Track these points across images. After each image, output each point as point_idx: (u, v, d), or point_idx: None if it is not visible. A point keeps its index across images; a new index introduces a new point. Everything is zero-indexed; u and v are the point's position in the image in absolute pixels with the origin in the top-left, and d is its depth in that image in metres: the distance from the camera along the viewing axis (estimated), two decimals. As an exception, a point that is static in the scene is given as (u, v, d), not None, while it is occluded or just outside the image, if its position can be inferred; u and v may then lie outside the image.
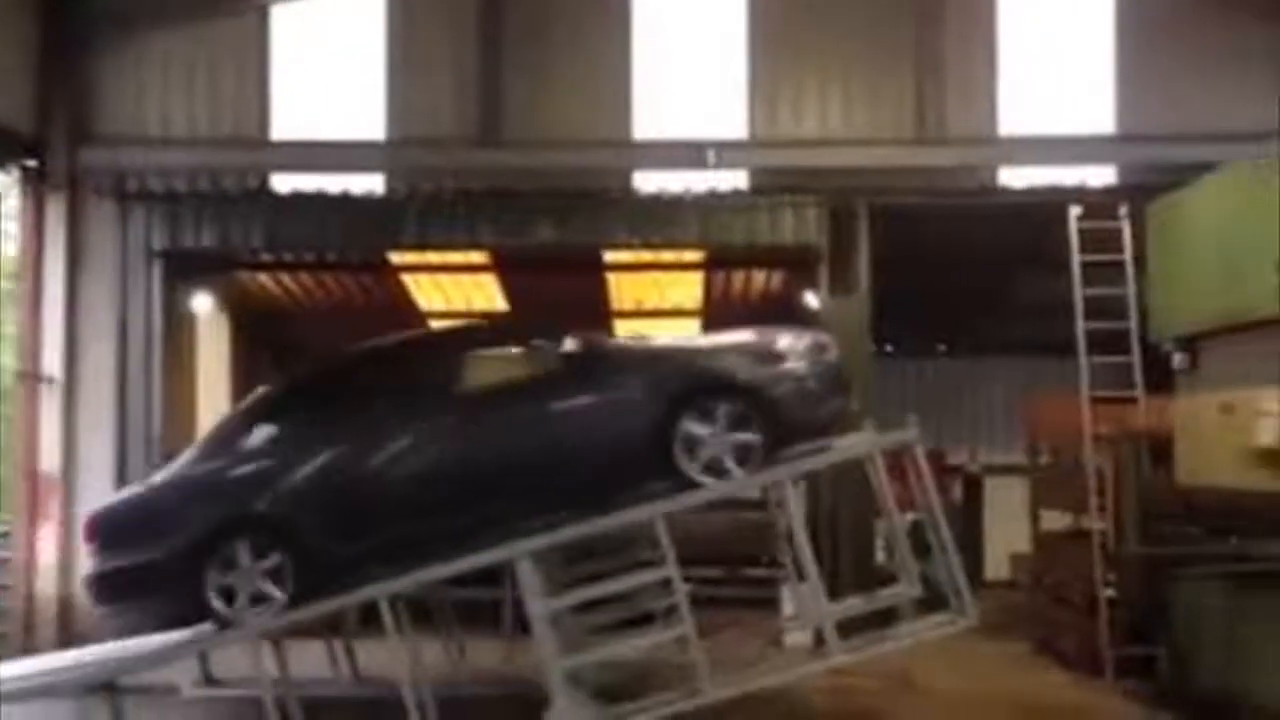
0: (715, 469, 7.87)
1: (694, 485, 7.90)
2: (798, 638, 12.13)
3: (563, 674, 8.01)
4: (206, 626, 8.21)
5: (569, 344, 8.18)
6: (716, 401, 7.89)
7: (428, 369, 8.42)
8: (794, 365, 8.09)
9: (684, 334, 8.28)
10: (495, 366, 8.66)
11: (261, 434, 8.36)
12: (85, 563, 8.52)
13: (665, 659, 8.74)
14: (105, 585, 8.24)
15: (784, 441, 7.98)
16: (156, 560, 7.96)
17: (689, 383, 8.00)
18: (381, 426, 8.24)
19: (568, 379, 8.14)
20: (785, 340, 8.22)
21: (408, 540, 8.05)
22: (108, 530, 8.37)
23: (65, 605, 12.62)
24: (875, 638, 8.09)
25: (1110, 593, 10.61)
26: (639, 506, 8.03)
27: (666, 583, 8.10)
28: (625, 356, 8.32)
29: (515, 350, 8.69)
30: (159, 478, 8.74)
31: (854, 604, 8.46)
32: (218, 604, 7.89)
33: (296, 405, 8.51)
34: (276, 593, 7.92)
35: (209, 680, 10.47)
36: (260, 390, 8.93)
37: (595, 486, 8.06)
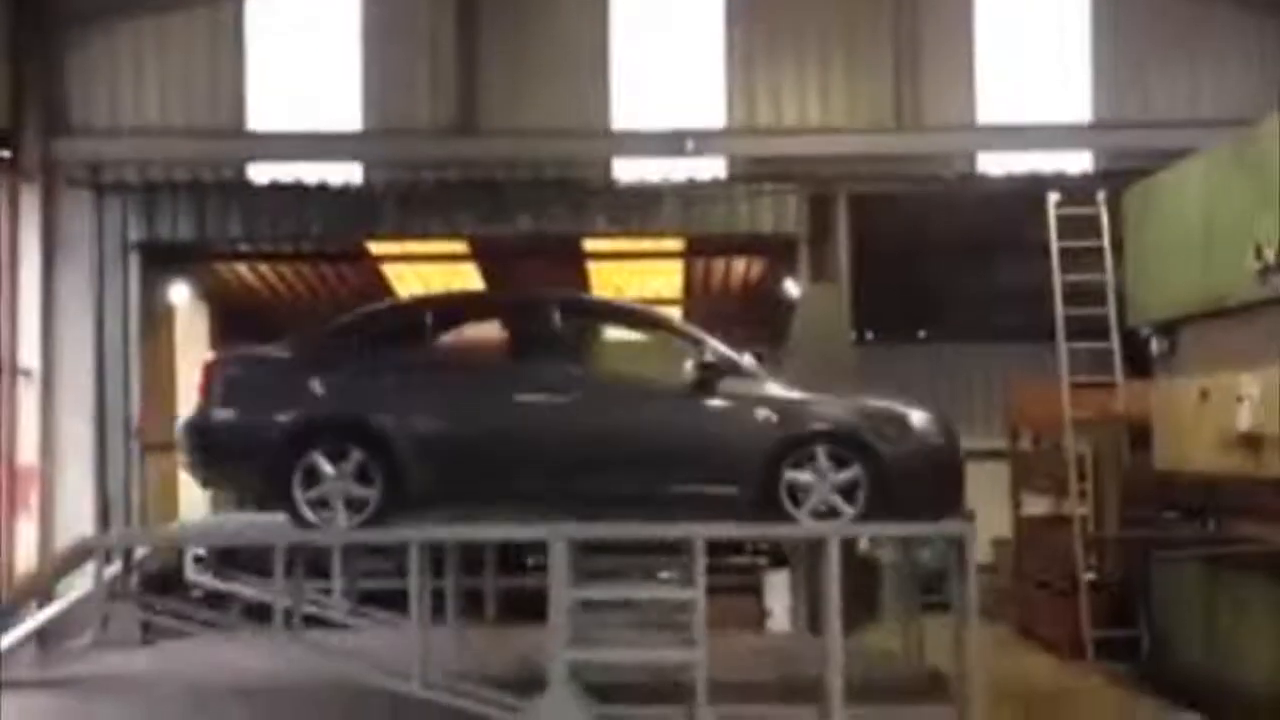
0: (800, 502, 7.93)
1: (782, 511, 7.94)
2: (780, 622, 12.31)
3: (565, 665, 8.06)
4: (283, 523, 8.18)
5: (710, 355, 8.20)
6: (839, 453, 7.92)
7: (555, 330, 8.35)
8: (919, 443, 8.09)
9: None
10: (628, 349, 8.71)
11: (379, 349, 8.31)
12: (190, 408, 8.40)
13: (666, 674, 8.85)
14: (205, 435, 8.17)
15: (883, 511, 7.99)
16: (265, 426, 7.96)
17: (813, 429, 8.00)
18: (500, 377, 8.29)
19: (698, 388, 8.15)
20: (917, 415, 8.25)
21: (480, 491, 8.09)
22: (230, 381, 8.26)
23: (44, 596, 12.52)
24: (879, 714, 8.17)
25: (1091, 576, 10.72)
26: (686, 524, 8.10)
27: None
28: (759, 387, 8.20)
29: (653, 339, 8.73)
30: (281, 346, 8.67)
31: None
32: (308, 513, 7.88)
33: (421, 333, 8.45)
34: (342, 516, 7.91)
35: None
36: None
37: (686, 498, 8.11)
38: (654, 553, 11.20)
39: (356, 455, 7.99)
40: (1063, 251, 11.25)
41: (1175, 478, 9.34)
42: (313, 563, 10.48)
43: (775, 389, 8.26)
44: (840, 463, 7.98)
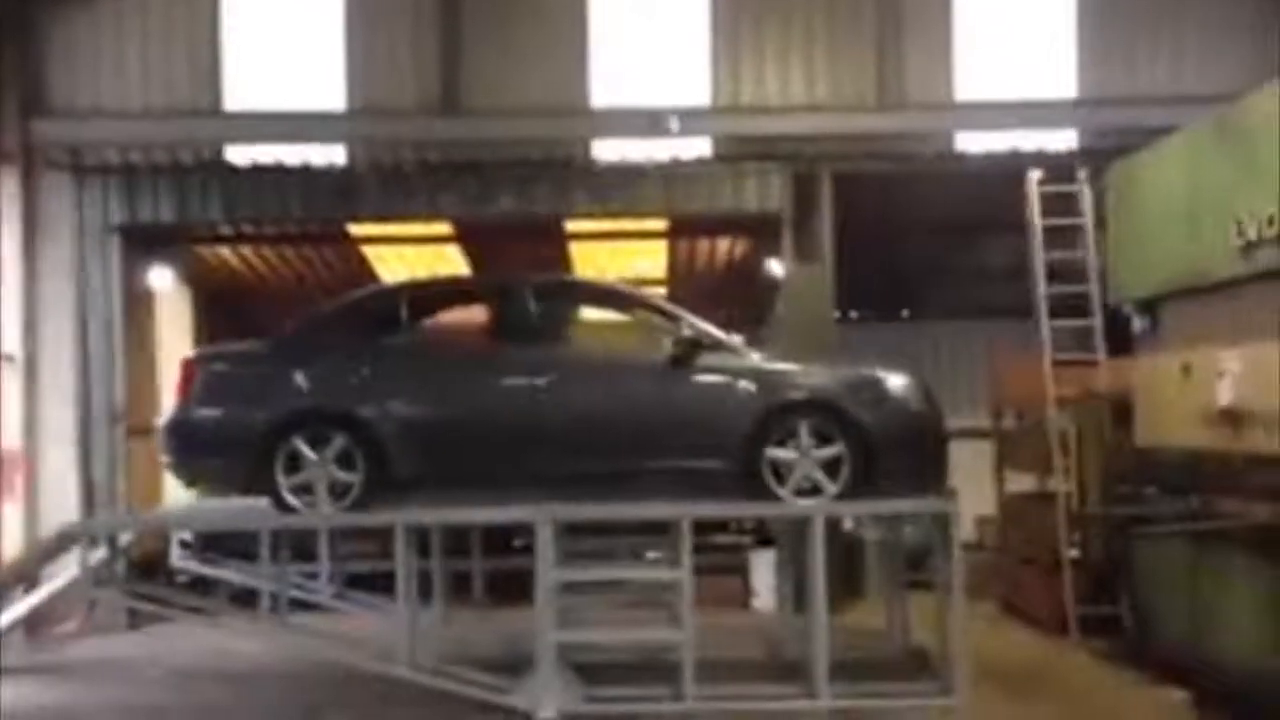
0: (782, 478, 8.04)
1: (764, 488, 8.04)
2: (765, 601, 12.37)
3: (552, 646, 8.10)
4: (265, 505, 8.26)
5: (688, 330, 8.20)
6: (810, 421, 8.01)
7: (533, 312, 8.40)
8: (900, 408, 8.18)
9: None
10: (607, 329, 8.74)
11: (357, 337, 8.38)
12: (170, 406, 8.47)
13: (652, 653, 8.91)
14: (186, 436, 8.23)
15: (867, 481, 8.07)
16: (245, 422, 8.04)
17: (793, 398, 8.07)
18: (480, 361, 8.33)
19: (676, 364, 8.16)
20: (896, 380, 8.28)
21: (464, 473, 8.15)
22: (208, 379, 8.33)
23: (32, 582, 12.50)
24: (864, 691, 8.31)
25: (1074, 553, 10.78)
26: (672, 504, 8.13)
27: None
28: (738, 360, 8.28)
29: (632, 318, 8.75)
30: (258, 341, 8.70)
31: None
32: (291, 499, 7.99)
33: (398, 318, 8.50)
34: (325, 501, 8.01)
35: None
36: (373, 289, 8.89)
37: (669, 473, 8.13)
38: (641, 533, 11.25)
39: (339, 441, 8.01)
40: (1045, 229, 11.27)
41: (1157, 454, 9.40)
42: (298, 547, 10.52)
43: (755, 361, 8.30)
44: (823, 438, 8.02)
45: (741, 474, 8.08)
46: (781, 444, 8.04)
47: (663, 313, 8.60)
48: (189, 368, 8.45)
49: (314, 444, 8.03)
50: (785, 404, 8.09)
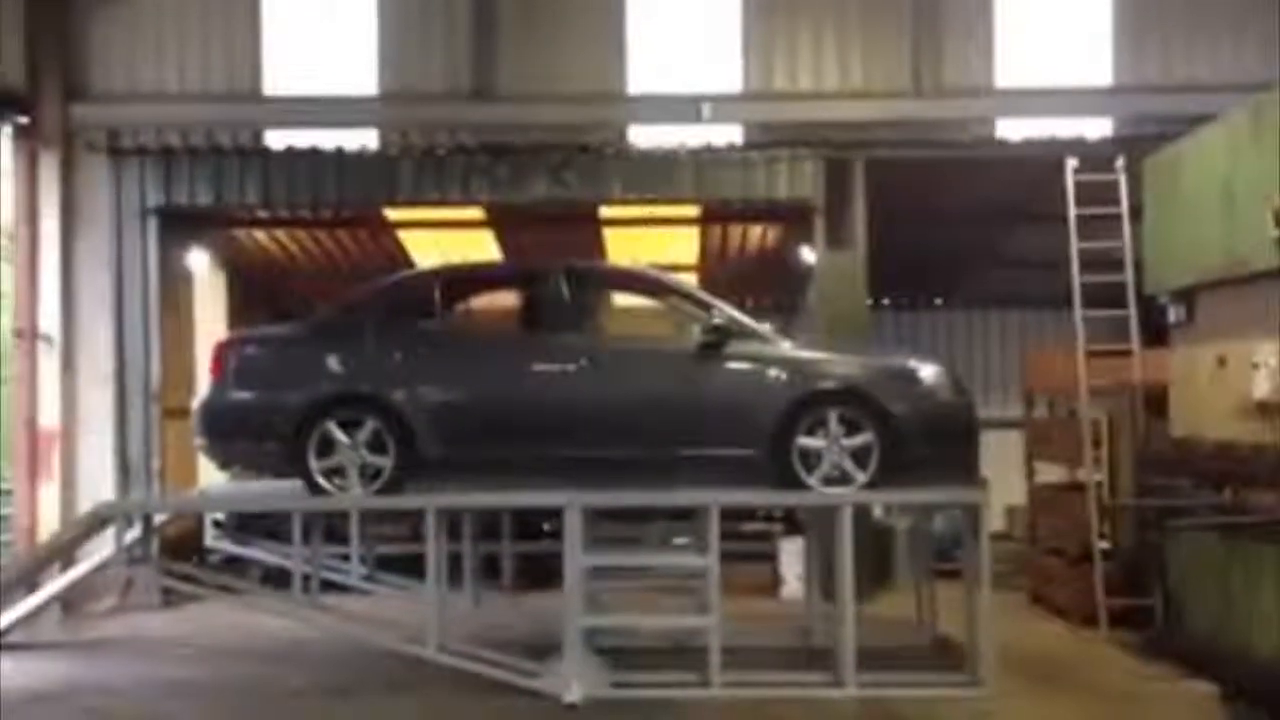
0: (811, 467, 8.07)
1: (794, 476, 8.08)
2: (793, 589, 12.36)
3: (581, 630, 8.15)
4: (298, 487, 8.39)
5: (718, 317, 8.23)
6: (846, 412, 8.04)
7: (565, 297, 8.45)
8: (930, 398, 8.21)
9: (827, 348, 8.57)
10: (637, 315, 8.81)
11: (390, 322, 8.45)
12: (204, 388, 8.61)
13: (680, 639, 8.95)
14: (218, 417, 8.36)
15: (897, 470, 8.10)
16: (277, 405, 8.16)
17: (823, 387, 8.11)
18: (512, 346, 8.42)
19: (706, 351, 8.18)
20: (928, 371, 8.27)
21: (505, 462, 8.23)
22: (241, 362, 8.45)
23: (68, 561, 12.69)
24: (890, 681, 8.34)
25: (1104, 544, 10.71)
26: (700, 490, 8.17)
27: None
28: (771, 347, 8.32)
29: (663, 304, 8.79)
30: (291, 325, 8.82)
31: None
32: (323, 482, 8.11)
33: (432, 303, 8.59)
34: (357, 484, 8.11)
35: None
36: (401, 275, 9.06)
37: (698, 460, 8.16)
38: (670, 519, 11.28)
39: (370, 425, 8.08)
40: (1080, 218, 11.18)
41: (1191, 446, 9.32)
42: (330, 529, 10.62)
43: (785, 349, 8.29)
44: (852, 426, 8.01)
45: (771, 462, 8.08)
46: (811, 433, 8.04)
47: (694, 300, 8.60)
48: (222, 350, 8.55)
49: (345, 428, 8.10)
50: (815, 393, 8.08)
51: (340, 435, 8.12)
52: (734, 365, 8.19)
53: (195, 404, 8.65)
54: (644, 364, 8.39)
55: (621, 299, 9.30)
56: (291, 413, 8.11)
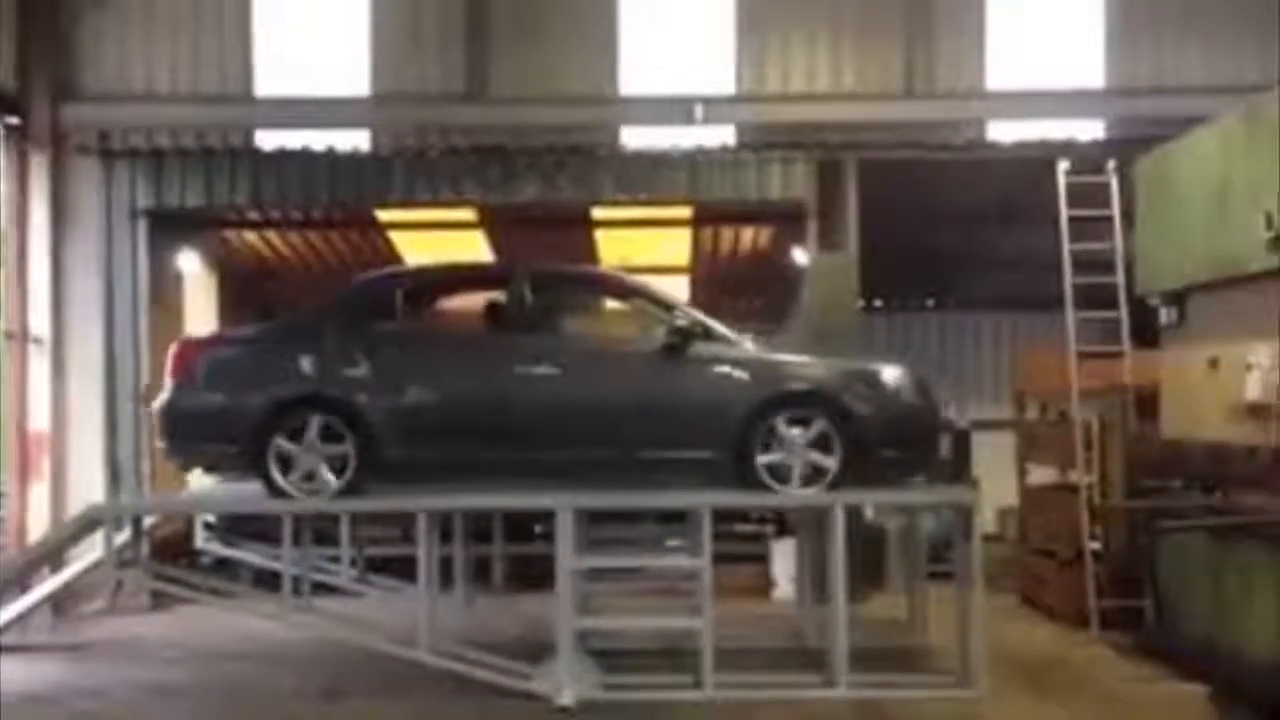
0: (781, 477, 8.05)
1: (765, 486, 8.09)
2: (785, 590, 12.36)
3: (573, 632, 8.14)
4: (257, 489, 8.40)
5: (681, 319, 8.23)
6: (808, 414, 8.04)
7: (532, 299, 8.45)
8: (893, 401, 8.20)
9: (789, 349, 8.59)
10: (602, 317, 8.81)
11: (351, 325, 8.44)
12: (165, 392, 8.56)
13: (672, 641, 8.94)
14: (180, 420, 8.33)
15: (858, 470, 8.11)
16: (236, 409, 8.15)
17: (786, 389, 8.11)
18: (474, 346, 8.39)
19: (668, 353, 8.17)
20: (890, 373, 8.27)
21: (467, 463, 8.23)
22: (201, 364, 8.44)
23: (57, 563, 12.64)
24: (882, 682, 8.35)
25: (1096, 546, 10.72)
26: (694, 493, 8.16)
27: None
28: (734, 349, 8.32)
29: (627, 307, 8.79)
30: (254, 328, 8.79)
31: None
32: (275, 471, 8.08)
33: (393, 306, 8.58)
34: (331, 480, 8.07)
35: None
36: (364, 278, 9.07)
37: (661, 463, 8.15)
38: (661, 521, 11.27)
39: (329, 426, 8.09)
40: (1072, 220, 11.19)
41: (1182, 447, 9.33)
42: (320, 531, 10.59)
43: (749, 351, 8.31)
44: (805, 423, 8.03)
45: (734, 463, 8.09)
46: (768, 449, 8.06)
47: (658, 301, 8.61)
48: (182, 352, 8.54)
49: (302, 430, 8.11)
50: (778, 395, 8.09)
51: (311, 433, 8.12)
52: (696, 368, 8.20)
53: (155, 406, 8.63)
54: (606, 366, 8.39)
55: (588, 301, 9.28)
56: (251, 415, 8.11)
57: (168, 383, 8.53)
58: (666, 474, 8.27)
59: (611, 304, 8.99)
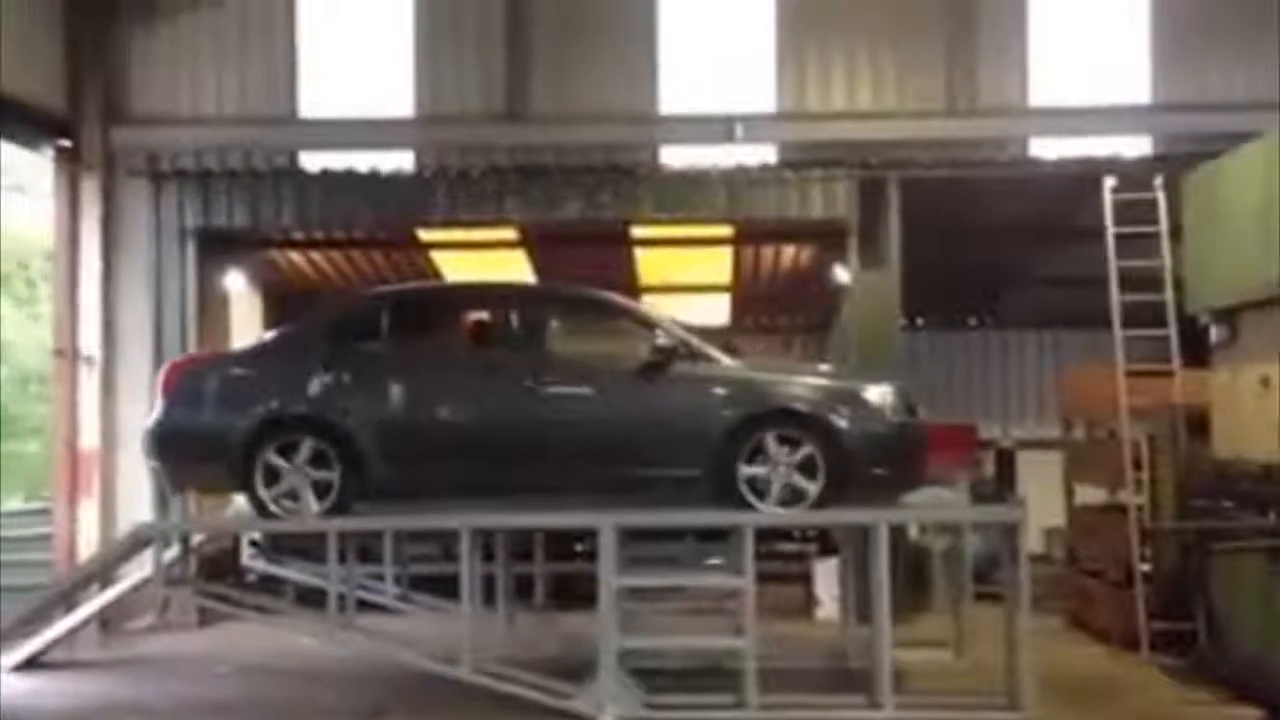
0: (761, 493, 8.03)
1: (744, 502, 8.07)
2: (829, 610, 12.27)
3: (615, 651, 8.13)
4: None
5: (665, 339, 8.24)
6: (793, 434, 8.02)
7: (517, 320, 8.51)
8: (878, 419, 8.16)
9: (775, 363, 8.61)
10: (588, 336, 8.83)
11: (345, 345, 8.50)
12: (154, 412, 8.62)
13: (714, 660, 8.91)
14: (168, 439, 8.38)
15: (844, 490, 8.06)
16: (225, 427, 8.18)
17: (770, 407, 8.09)
18: (460, 367, 8.43)
19: (651, 372, 8.20)
20: (874, 392, 8.25)
21: (458, 484, 8.24)
22: (190, 385, 8.49)
23: (106, 580, 12.77)
24: (928, 703, 8.28)
25: (1146, 567, 10.57)
26: (733, 512, 8.15)
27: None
28: (717, 368, 8.33)
29: (613, 326, 8.80)
30: (242, 348, 8.86)
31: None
32: (260, 485, 8.11)
33: (379, 326, 8.62)
34: (313, 503, 8.11)
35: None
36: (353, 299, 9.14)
37: (647, 480, 8.16)
38: (702, 540, 11.23)
39: (316, 447, 8.12)
40: (1118, 237, 11.09)
41: (1234, 467, 9.20)
42: (365, 549, 10.65)
43: (733, 369, 8.30)
44: (794, 444, 7.99)
45: (717, 482, 8.07)
46: (752, 461, 8.02)
47: (641, 320, 8.61)
48: (172, 372, 8.62)
49: (291, 450, 8.15)
50: (760, 413, 8.06)
51: (282, 460, 8.16)
52: (679, 387, 8.19)
53: (145, 426, 8.71)
54: (590, 385, 8.38)
55: (572, 321, 9.24)
56: (240, 431, 8.16)
57: (157, 404, 8.60)
58: (656, 493, 8.27)
59: (598, 323, 8.97)
